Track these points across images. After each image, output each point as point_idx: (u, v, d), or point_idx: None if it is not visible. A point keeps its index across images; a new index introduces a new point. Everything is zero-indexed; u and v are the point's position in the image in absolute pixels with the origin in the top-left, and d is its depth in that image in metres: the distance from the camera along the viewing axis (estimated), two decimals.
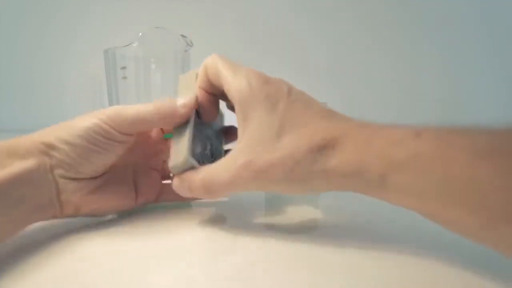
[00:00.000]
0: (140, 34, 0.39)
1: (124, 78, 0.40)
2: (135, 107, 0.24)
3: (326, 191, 0.22)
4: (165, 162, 0.29)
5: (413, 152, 0.18)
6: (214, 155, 0.27)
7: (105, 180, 0.26)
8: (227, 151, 0.29)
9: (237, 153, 0.22)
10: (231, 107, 0.26)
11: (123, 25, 0.70)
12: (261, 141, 0.21)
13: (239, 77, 0.23)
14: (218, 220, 0.28)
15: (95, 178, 0.25)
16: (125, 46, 0.39)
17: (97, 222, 0.26)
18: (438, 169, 0.17)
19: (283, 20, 0.70)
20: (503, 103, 0.66)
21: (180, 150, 0.24)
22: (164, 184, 0.30)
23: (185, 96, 0.25)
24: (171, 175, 0.32)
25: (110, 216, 0.27)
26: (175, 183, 0.25)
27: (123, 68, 0.40)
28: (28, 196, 0.21)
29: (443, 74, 0.65)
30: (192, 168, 0.24)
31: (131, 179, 0.28)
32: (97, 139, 0.23)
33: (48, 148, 0.23)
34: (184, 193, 0.24)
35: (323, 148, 0.20)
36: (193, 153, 0.24)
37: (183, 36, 0.41)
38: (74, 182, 0.24)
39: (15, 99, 0.90)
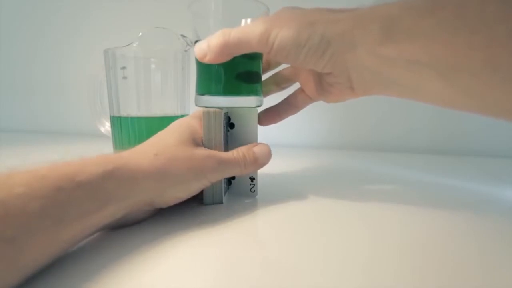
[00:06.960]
0: (140, 34, 0.39)
1: (124, 78, 0.40)
2: (227, 157, 0.27)
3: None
4: None
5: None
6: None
7: None
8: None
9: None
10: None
11: (123, 25, 0.70)
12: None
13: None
14: None
15: None
16: (125, 46, 0.39)
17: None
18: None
19: None
20: None
21: (215, 191, 0.29)
22: None
23: (213, 133, 0.28)
24: None
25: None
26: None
27: (123, 68, 0.40)
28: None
29: None
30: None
31: None
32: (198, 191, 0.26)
33: (158, 198, 0.23)
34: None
35: None
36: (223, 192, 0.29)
37: (183, 36, 0.41)
38: (155, 210, 0.25)
39: (15, 99, 0.90)
